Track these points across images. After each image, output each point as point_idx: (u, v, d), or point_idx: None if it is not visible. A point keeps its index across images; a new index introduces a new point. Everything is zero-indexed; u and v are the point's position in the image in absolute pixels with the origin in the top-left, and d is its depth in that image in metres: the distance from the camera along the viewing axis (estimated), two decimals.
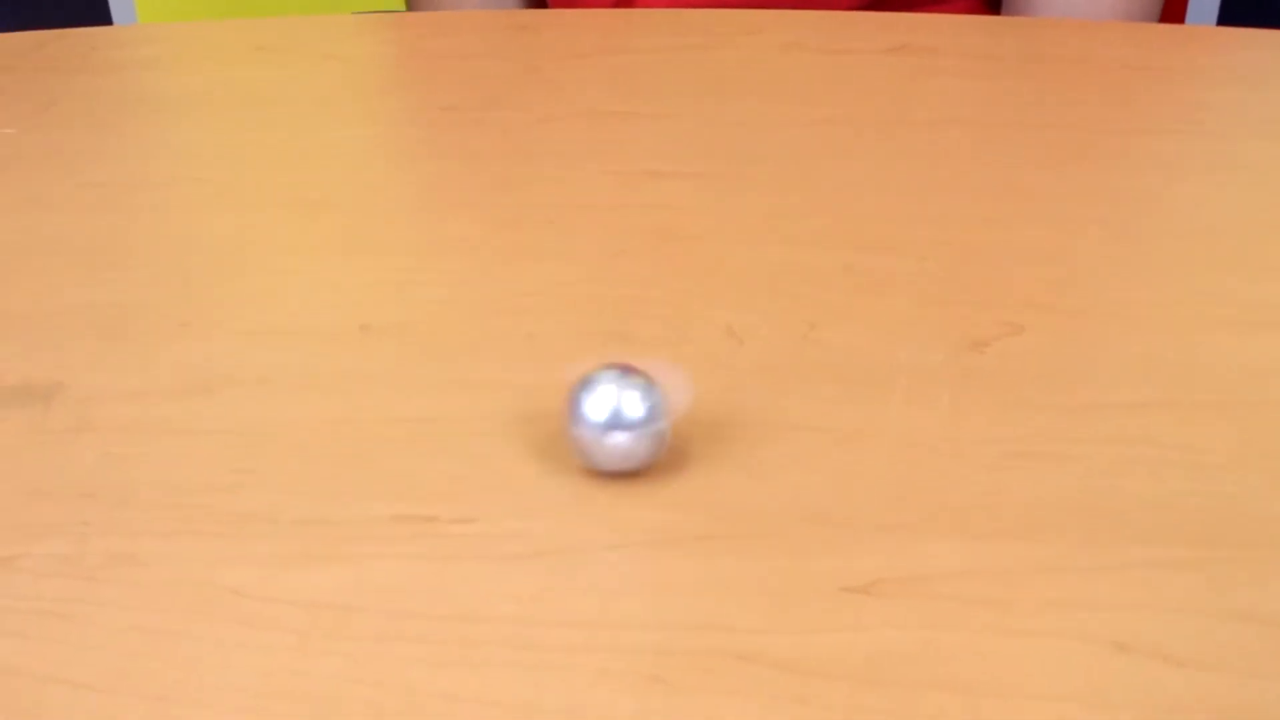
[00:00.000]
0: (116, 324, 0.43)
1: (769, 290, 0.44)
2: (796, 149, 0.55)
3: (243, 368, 0.40)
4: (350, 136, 0.57)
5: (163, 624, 0.31)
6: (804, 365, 0.40)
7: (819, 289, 0.44)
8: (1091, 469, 0.35)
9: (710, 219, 0.49)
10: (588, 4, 0.81)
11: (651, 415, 0.34)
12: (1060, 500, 0.34)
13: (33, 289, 0.45)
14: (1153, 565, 0.32)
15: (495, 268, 0.46)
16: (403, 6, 0.90)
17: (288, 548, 0.33)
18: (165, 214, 0.50)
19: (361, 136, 0.57)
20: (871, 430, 0.37)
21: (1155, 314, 0.43)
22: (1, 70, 0.65)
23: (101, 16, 1.30)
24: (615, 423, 0.34)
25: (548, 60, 0.66)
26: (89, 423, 0.38)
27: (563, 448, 0.36)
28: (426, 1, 0.83)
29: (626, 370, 0.35)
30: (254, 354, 0.41)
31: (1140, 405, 0.38)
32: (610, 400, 0.34)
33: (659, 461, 0.36)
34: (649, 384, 0.34)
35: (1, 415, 0.38)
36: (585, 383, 0.34)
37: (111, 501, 0.35)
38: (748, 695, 0.29)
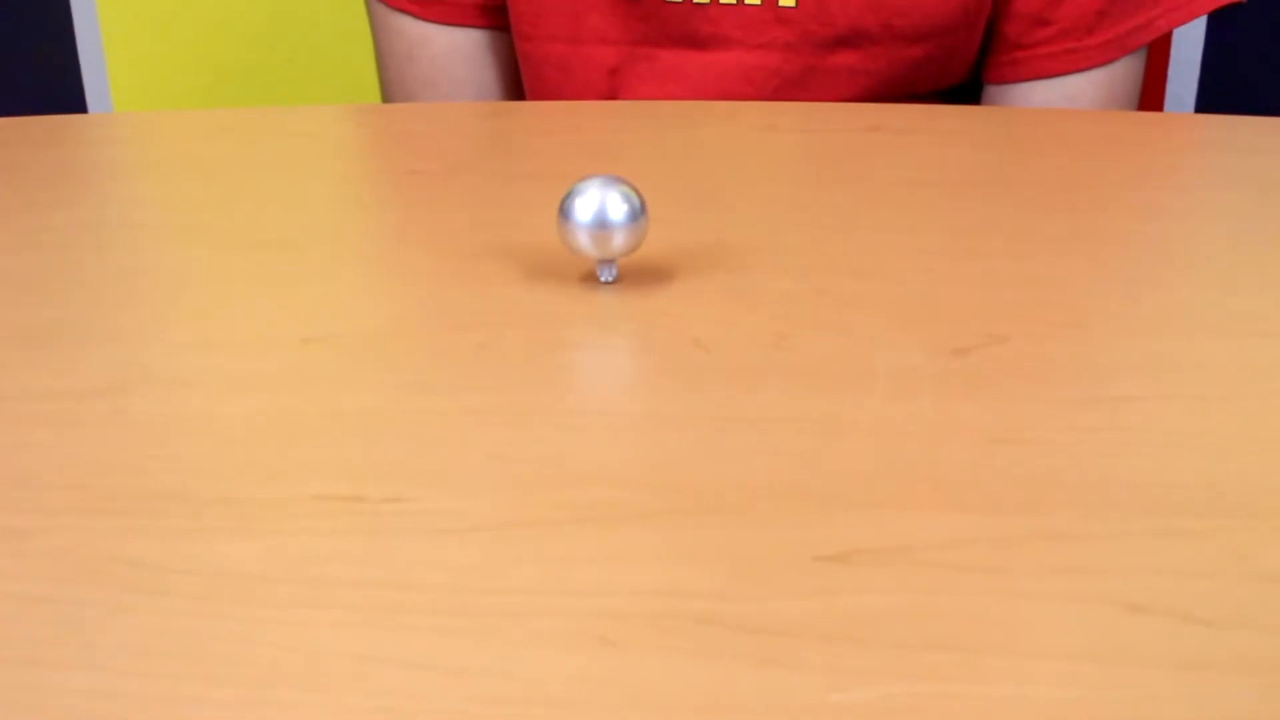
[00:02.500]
0: (43, 337, 0.40)
1: (737, 308, 0.41)
2: (770, 199, 0.53)
3: (169, 371, 0.37)
4: (310, 192, 0.55)
5: (43, 591, 0.27)
6: (774, 368, 0.37)
7: (790, 307, 0.41)
8: (1087, 452, 0.32)
9: (676, 254, 0.46)
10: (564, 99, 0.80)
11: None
12: (1055, 478, 0.31)
13: None
14: (1163, 534, 0.29)
15: (448, 291, 0.43)
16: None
17: (196, 524, 0.29)
18: (112, 252, 0.47)
19: (322, 192, 0.55)
20: (846, 420, 0.34)
21: (1142, 323, 0.40)
22: None
23: (78, 109, 1.30)
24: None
25: (520, 136, 0.64)
26: None
27: (509, 436, 0.33)
28: (401, 96, 0.83)
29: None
30: (184, 360, 0.38)
31: (1134, 399, 0.35)
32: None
33: (606, 447, 0.33)
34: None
35: None
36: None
37: (7, 483, 0.31)
38: (708, 656, 0.25)
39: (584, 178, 0.42)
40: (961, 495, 0.30)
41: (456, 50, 0.81)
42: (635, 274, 0.44)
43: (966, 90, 0.84)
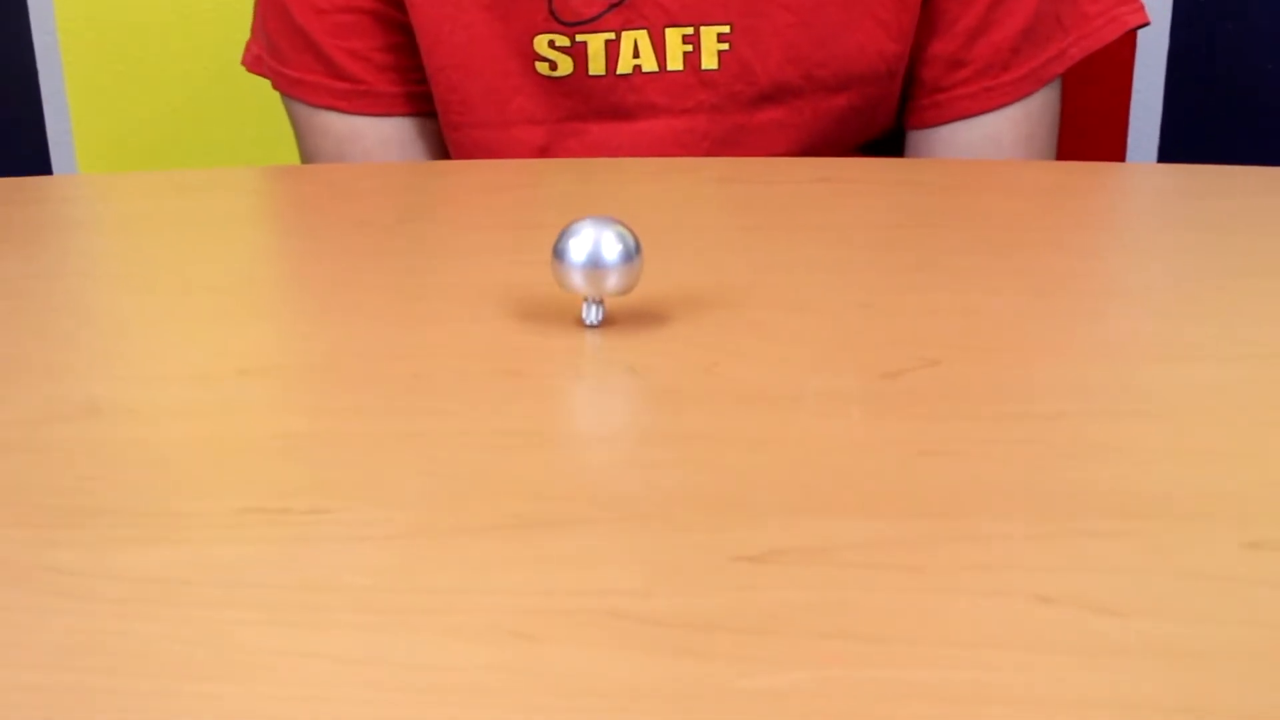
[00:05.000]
0: None
1: (669, 338, 0.42)
2: (709, 242, 0.54)
3: (108, 401, 0.37)
4: (258, 242, 0.55)
5: None
6: (705, 391, 0.38)
7: (723, 337, 0.42)
8: (1009, 463, 0.33)
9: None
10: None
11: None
12: (976, 486, 0.32)
13: None
14: (1077, 535, 0.29)
15: (389, 326, 0.44)
16: None
17: (122, 534, 0.29)
18: (63, 298, 0.48)
19: (270, 242, 0.56)
20: (772, 436, 0.34)
21: (1075, 349, 0.41)
22: None
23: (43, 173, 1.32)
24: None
25: (463, 192, 0.65)
26: None
27: (437, 454, 0.34)
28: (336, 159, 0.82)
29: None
30: (123, 391, 0.38)
31: (1060, 416, 0.36)
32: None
33: (530, 464, 0.33)
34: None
35: None
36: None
37: None
38: (621, 648, 0.25)
39: (577, 219, 0.42)
40: (882, 502, 0.31)
41: (387, 141, 0.80)
42: (571, 310, 0.45)
43: (894, 140, 0.86)
